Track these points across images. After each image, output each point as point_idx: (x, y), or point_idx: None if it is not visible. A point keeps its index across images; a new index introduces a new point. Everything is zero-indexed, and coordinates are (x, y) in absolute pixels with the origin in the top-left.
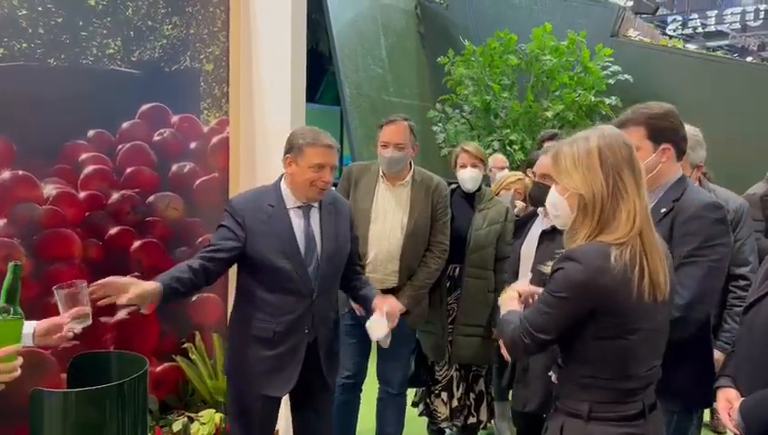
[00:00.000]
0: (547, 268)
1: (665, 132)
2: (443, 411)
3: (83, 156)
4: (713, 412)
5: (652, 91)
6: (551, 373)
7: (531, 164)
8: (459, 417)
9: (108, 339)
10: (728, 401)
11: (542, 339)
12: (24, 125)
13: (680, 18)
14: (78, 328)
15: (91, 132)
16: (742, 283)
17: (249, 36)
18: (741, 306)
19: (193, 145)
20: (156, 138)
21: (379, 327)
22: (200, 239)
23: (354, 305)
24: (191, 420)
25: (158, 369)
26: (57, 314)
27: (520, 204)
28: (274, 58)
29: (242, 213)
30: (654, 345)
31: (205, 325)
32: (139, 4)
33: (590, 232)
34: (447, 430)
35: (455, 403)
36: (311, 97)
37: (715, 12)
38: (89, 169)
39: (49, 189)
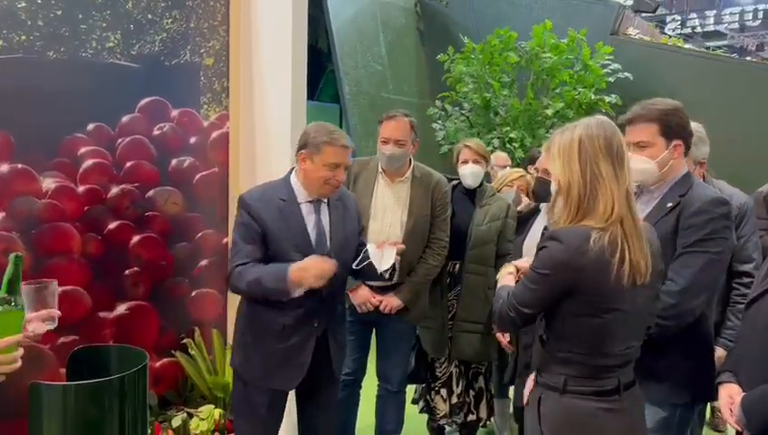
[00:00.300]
0: None
1: (676, 128)
2: (442, 408)
3: (83, 150)
4: (713, 410)
5: (652, 90)
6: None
7: (532, 161)
8: (459, 414)
9: (107, 334)
10: (730, 396)
11: (526, 313)
12: (22, 118)
13: (679, 18)
14: (43, 330)
15: (90, 126)
16: (745, 280)
17: (249, 30)
18: (744, 303)
19: (193, 140)
20: (155, 132)
21: (386, 257)
22: (200, 234)
23: (354, 301)
24: (190, 415)
25: (158, 364)
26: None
27: (526, 199)
28: (275, 52)
29: (256, 208)
30: (632, 326)
31: (204, 321)
32: None
33: (569, 216)
34: (447, 427)
35: (454, 400)
36: (310, 94)
37: (714, 12)
38: (88, 162)
39: (48, 183)
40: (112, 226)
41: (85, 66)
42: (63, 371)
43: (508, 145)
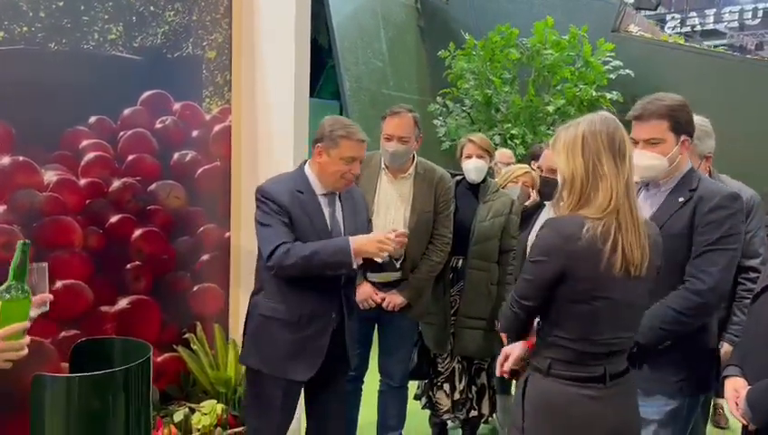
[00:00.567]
0: None
1: (684, 124)
2: (445, 403)
3: (84, 142)
4: (715, 407)
5: (653, 87)
6: None
7: (534, 157)
8: (461, 410)
9: (108, 328)
10: (735, 389)
11: (528, 306)
12: (23, 110)
13: (678, 16)
14: (35, 315)
15: (92, 119)
16: (752, 275)
17: (252, 23)
18: (750, 298)
19: (195, 133)
20: (157, 125)
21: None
22: (202, 228)
23: (356, 298)
24: (192, 410)
25: (159, 359)
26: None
27: (533, 195)
28: (278, 46)
29: (281, 198)
30: (623, 317)
31: (206, 315)
32: None
33: (569, 206)
34: (450, 422)
35: (456, 396)
36: (310, 91)
37: (714, 10)
38: (90, 155)
39: (49, 176)
40: (114, 219)
41: (87, 58)
42: (64, 365)
43: (509, 142)
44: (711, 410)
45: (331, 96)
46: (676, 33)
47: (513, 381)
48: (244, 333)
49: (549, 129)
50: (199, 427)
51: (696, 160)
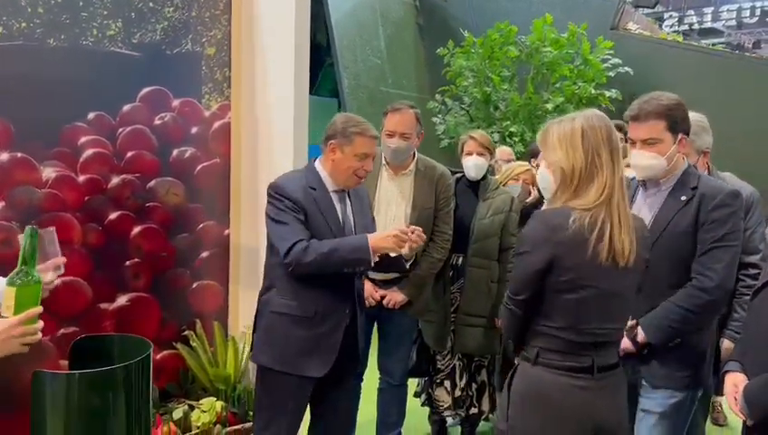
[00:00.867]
0: None
1: (681, 123)
2: (445, 400)
3: (83, 139)
4: (713, 405)
5: (652, 85)
6: None
7: (533, 155)
8: (462, 407)
9: (108, 326)
10: (735, 384)
11: (520, 300)
12: (22, 106)
13: (676, 15)
14: (51, 279)
15: (91, 115)
16: (751, 271)
17: (251, 20)
18: (750, 295)
19: (194, 130)
20: (156, 122)
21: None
22: (201, 225)
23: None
24: (191, 407)
25: (159, 356)
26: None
27: (535, 192)
28: (277, 42)
29: (295, 194)
30: (611, 308)
31: (205, 313)
32: None
33: (565, 199)
34: (449, 419)
35: (457, 393)
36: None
37: (712, 8)
38: (89, 152)
39: (48, 173)
40: (113, 216)
41: (86, 54)
42: (63, 362)
43: (508, 139)
44: (710, 407)
45: (329, 94)
46: (674, 31)
47: None
48: (254, 331)
49: None
50: (198, 424)
51: (694, 156)
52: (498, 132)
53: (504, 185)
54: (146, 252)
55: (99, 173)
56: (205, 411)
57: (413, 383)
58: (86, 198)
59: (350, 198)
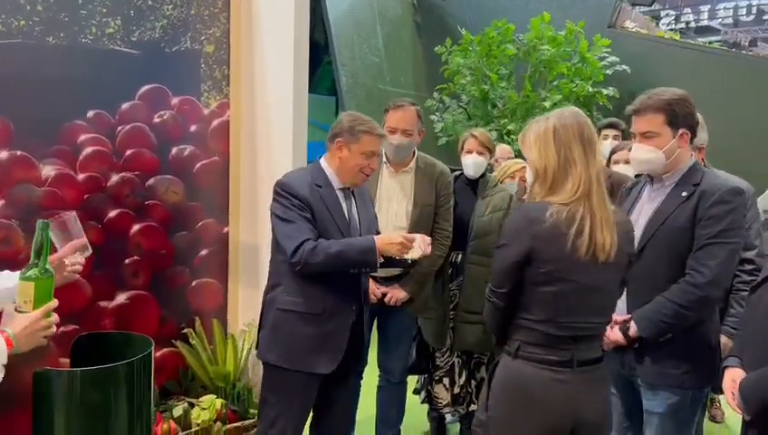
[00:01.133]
0: None
1: (682, 117)
2: (444, 397)
3: (82, 137)
4: (711, 401)
5: (649, 83)
6: None
7: None
8: (461, 404)
9: (107, 324)
10: (732, 380)
11: (501, 293)
12: (21, 104)
13: (673, 13)
14: (82, 259)
15: (90, 113)
16: (748, 267)
17: (250, 18)
18: (746, 290)
19: (193, 128)
20: (156, 120)
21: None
22: (200, 223)
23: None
24: (191, 405)
25: (158, 354)
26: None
27: None
28: (276, 40)
29: (303, 192)
30: (591, 302)
31: (204, 311)
32: None
33: (542, 196)
34: (448, 416)
35: (456, 390)
36: None
37: (708, 6)
38: (88, 150)
39: (47, 171)
40: (112, 214)
41: (85, 52)
42: (63, 360)
43: (506, 137)
44: (708, 403)
45: (326, 92)
46: (671, 29)
47: None
48: (260, 330)
49: None
50: (198, 422)
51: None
52: (496, 130)
53: (500, 183)
54: (145, 250)
55: (98, 171)
56: (205, 409)
57: (412, 381)
58: (85, 196)
59: (353, 195)
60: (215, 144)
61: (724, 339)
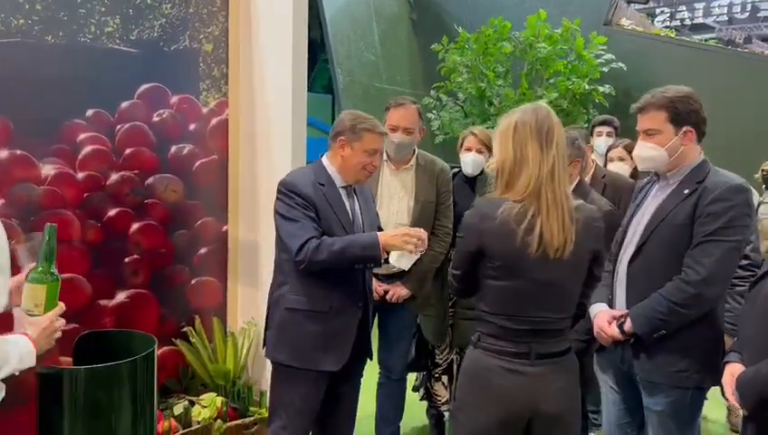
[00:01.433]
0: None
1: (686, 115)
2: (443, 394)
3: (82, 136)
4: (729, 410)
5: (645, 80)
6: None
7: None
8: None
9: (107, 322)
10: (732, 375)
11: (456, 275)
12: (21, 103)
13: (668, 10)
14: None
15: (89, 112)
16: (744, 262)
17: (249, 16)
18: (742, 286)
19: (192, 126)
20: (155, 118)
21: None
22: (199, 222)
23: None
24: (192, 403)
25: (158, 352)
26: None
27: None
28: (275, 38)
29: (306, 191)
30: (547, 297)
31: (204, 309)
32: None
33: (500, 191)
34: (447, 414)
35: (455, 387)
36: None
37: (703, 4)
38: (87, 149)
39: (47, 170)
40: (112, 213)
41: (84, 51)
42: (64, 359)
43: None
44: (726, 412)
45: (322, 90)
46: (666, 26)
47: None
48: (267, 329)
49: None
50: (199, 419)
51: None
52: (493, 128)
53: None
54: (145, 248)
55: (98, 170)
56: (205, 407)
57: (411, 378)
58: (85, 195)
59: (356, 193)
60: (213, 143)
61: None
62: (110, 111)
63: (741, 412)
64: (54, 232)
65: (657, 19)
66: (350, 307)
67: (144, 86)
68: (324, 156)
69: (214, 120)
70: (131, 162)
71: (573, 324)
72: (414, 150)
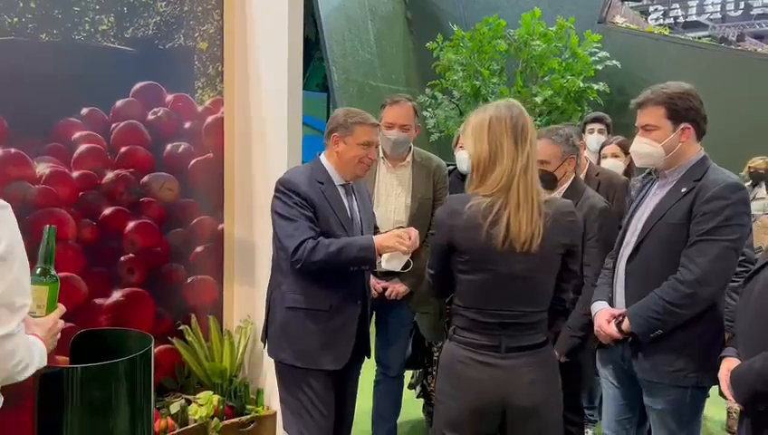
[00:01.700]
0: None
1: (684, 112)
2: None
3: (77, 134)
4: (729, 413)
5: (639, 78)
6: None
7: None
8: None
9: (103, 321)
10: (728, 370)
11: (432, 273)
12: (15, 102)
13: (662, 8)
14: None
15: (84, 110)
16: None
17: (244, 14)
18: (737, 282)
19: (187, 125)
20: (150, 117)
21: (397, 261)
22: (195, 220)
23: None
24: (188, 402)
25: (154, 351)
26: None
27: None
28: (270, 36)
29: (305, 189)
30: (516, 291)
31: (200, 307)
32: None
33: (474, 186)
34: None
35: None
36: None
37: (696, 1)
38: (82, 147)
39: (42, 168)
40: (107, 211)
41: (78, 49)
42: (60, 358)
43: None
44: (726, 416)
45: (317, 88)
46: (659, 24)
47: None
48: (268, 328)
49: (537, 120)
50: (196, 418)
51: None
52: None
53: None
54: (140, 247)
55: (92, 168)
56: (202, 405)
57: (407, 376)
58: (80, 194)
59: (353, 192)
60: (209, 141)
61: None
62: (105, 110)
63: (737, 415)
64: (54, 233)
65: (650, 17)
66: (350, 305)
67: (139, 84)
68: (322, 154)
69: (209, 119)
70: (126, 161)
71: (554, 319)
72: (410, 148)
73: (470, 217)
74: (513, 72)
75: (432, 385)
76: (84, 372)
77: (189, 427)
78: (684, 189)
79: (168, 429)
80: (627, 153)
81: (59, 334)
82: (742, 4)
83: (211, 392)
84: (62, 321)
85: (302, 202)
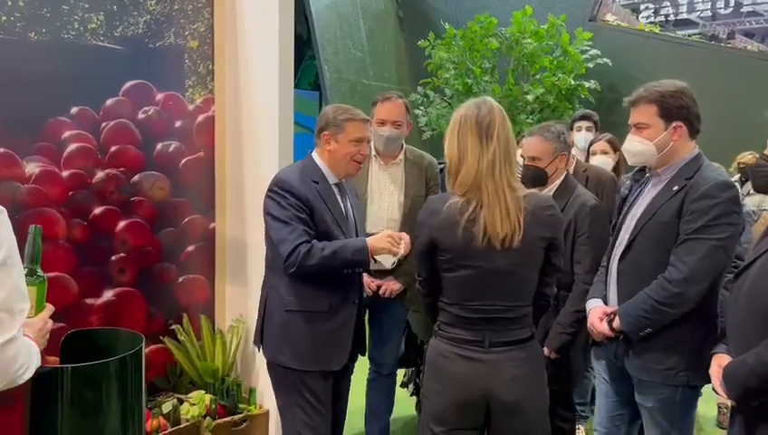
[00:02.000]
0: None
1: (676, 110)
2: None
3: (66, 133)
4: (719, 408)
5: (630, 75)
6: None
7: None
8: None
9: (94, 320)
10: (719, 366)
11: (421, 280)
12: (4, 101)
13: (652, 6)
14: None
15: (73, 109)
16: None
17: (234, 12)
18: (726, 277)
19: (178, 124)
20: (140, 116)
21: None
22: (186, 219)
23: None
24: (180, 401)
25: (146, 351)
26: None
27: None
28: (261, 35)
29: (301, 189)
30: (498, 286)
31: (192, 306)
32: None
33: (450, 186)
34: None
35: None
36: None
37: None
38: (72, 147)
39: (31, 168)
40: (98, 211)
41: (67, 48)
42: (50, 358)
43: None
44: (716, 411)
45: (309, 87)
46: (650, 22)
47: None
48: (263, 330)
49: (528, 117)
50: (188, 417)
51: None
52: None
53: None
54: (131, 246)
55: (83, 168)
56: (194, 404)
57: (400, 374)
58: (70, 193)
59: (346, 191)
60: (200, 140)
61: None
62: (95, 109)
63: (728, 410)
64: (40, 233)
65: (641, 15)
66: (348, 305)
67: (129, 83)
68: (313, 152)
69: (200, 117)
70: (117, 160)
71: (539, 315)
72: (402, 145)
73: (448, 216)
74: (505, 70)
75: None
76: (75, 372)
77: (181, 426)
78: (675, 187)
79: (161, 428)
80: (616, 150)
81: (48, 334)
82: (732, 2)
83: (203, 392)
84: (51, 320)
85: (296, 203)
